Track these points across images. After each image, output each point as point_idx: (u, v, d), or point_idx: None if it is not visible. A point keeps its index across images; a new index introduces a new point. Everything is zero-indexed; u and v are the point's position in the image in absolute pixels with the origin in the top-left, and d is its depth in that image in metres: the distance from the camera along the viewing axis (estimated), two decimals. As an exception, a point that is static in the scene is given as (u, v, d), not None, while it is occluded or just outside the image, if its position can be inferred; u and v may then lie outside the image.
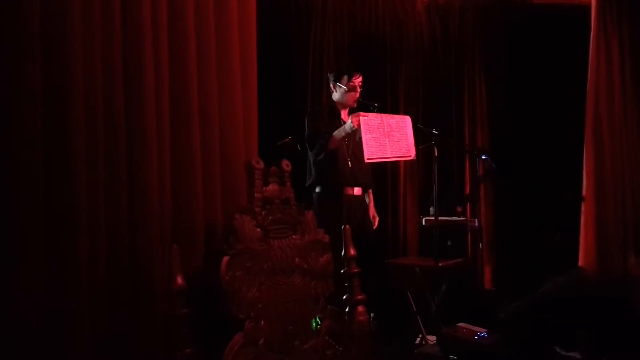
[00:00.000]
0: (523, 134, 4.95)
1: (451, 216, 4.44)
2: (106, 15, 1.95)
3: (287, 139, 3.98)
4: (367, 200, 3.95)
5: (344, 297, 2.45)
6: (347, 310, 2.43)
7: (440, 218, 3.95)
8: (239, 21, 2.41)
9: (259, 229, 2.20)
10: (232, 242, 2.10)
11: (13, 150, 1.72)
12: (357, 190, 3.82)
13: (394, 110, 4.96)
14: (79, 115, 1.83)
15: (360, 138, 3.45)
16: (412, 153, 3.64)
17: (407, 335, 4.05)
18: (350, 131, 3.54)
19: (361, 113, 3.50)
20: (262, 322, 2.13)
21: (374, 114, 3.54)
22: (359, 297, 2.44)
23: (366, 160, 3.47)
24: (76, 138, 1.82)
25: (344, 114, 3.91)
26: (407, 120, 3.67)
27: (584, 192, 4.12)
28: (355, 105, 3.85)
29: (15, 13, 1.73)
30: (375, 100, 3.88)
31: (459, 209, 4.51)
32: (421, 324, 4.00)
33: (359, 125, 3.45)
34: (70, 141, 1.81)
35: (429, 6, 5.22)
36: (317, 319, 2.29)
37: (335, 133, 3.64)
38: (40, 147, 1.76)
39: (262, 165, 2.26)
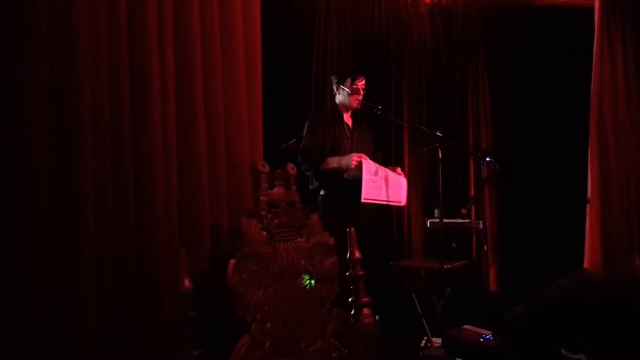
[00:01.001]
0: (527, 135, 4.94)
1: (456, 218, 4.44)
2: (112, 18, 1.96)
3: (291, 142, 3.99)
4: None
5: (350, 299, 2.45)
6: (352, 312, 2.43)
7: (444, 220, 3.94)
8: (244, 24, 2.43)
9: (264, 232, 2.20)
10: (238, 245, 2.11)
11: (20, 152, 1.73)
12: (361, 194, 3.82)
13: (398, 113, 4.96)
14: (85, 119, 1.84)
15: (349, 177, 3.56)
16: (403, 201, 3.83)
17: (412, 337, 4.05)
18: (345, 167, 3.57)
19: (363, 155, 3.55)
20: (269, 325, 2.13)
21: (374, 163, 3.59)
22: (364, 299, 2.44)
23: (362, 200, 3.50)
24: (83, 141, 1.83)
25: (346, 116, 3.91)
26: (402, 180, 3.80)
27: (589, 194, 4.12)
28: (359, 107, 3.86)
29: (24, 15, 1.74)
30: (378, 102, 3.88)
31: (464, 211, 4.50)
32: (426, 326, 4.00)
33: (356, 165, 3.51)
34: (77, 144, 1.82)
35: (432, 8, 5.22)
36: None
37: (330, 159, 3.66)
38: (47, 149, 1.77)
39: (267, 168, 2.27)
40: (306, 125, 3.87)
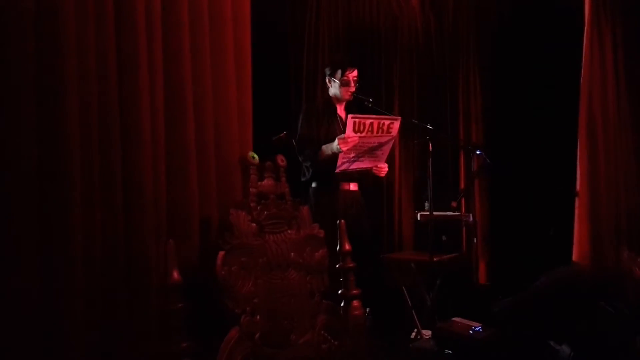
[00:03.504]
0: (517, 129, 4.96)
1: (446, 211, 4.45)
2: (99, 10, 1.94)
3: (282, 134, 3.97)
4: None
5: (339, 291, 2.46)
6: (342, 304, 2.44)
7: (435, 213, 3.96)
8: (233, 16, 2.41)
9: (254, 224, 2.20)
10: (227, 237, 2.11)
11: (7, 146, 1.72)
12: (353, 186, 3.82)
13: (389, 105, 4.96)
14: (73, 112, 1.83)
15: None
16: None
17: (402, 329, 4.07)
18: (338, 152, 3.52)
19: (349, 139, 3.46)
20: (258, 317, 2.13)
21: (354, 142, 3.49)
22: (354, 291, 2.45)
23: (336, 171, 3.55)
24: (70, 134, 1.82)
25: (340, 109, 3.91)
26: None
27: (577, 187, 4.14)
28: (351, 99, 3.85)
29: (9, 10, 1.72)
30: (369, 95, 3.88)
31: (454, 204, 4.52)
32: (416, 319, 4.02)
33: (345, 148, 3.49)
34: (64, 137, 1.81)
35: (424, 1, 5.22)
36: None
37: (324, 147, 3.64)
38: (34, 143, 1.75)
39: (257, 160, 2.26)
40: (300, 117, 3.87)
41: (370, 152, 3.59)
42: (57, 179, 1.80)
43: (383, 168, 3.78)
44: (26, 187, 1.74)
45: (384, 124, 3.53)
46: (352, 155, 3.52)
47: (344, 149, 3.45)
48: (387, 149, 3.66)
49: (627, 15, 4.26)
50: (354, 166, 3.62)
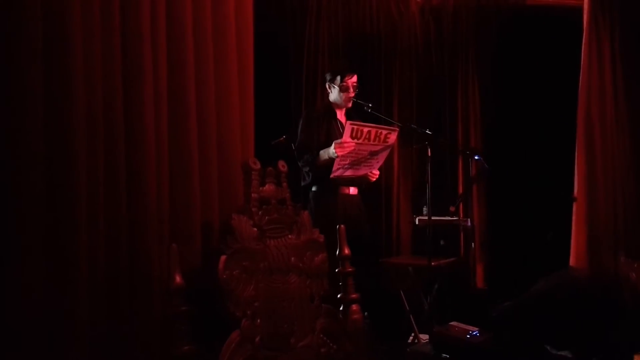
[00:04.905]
0: (516, 134, 4.99)
1: (444, 216, 4.47)
2: (105, 17, 1.97)
3: (281, 138, 4.00)
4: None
5: (339, 295, 2.48)
6: (341, 308, 2.46)
7: (433, 218, 3.98)
8: (236, 23, 2.44)
9: (255, 229, 2.22)
10: (229, 242, 2.13)
11: (14, 148, 1.74)
12: (352, 190, 3.85)
13: (388, 111, 4.98)
14: (79, 117, 1.85)
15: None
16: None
17: (400, 333, 4.08)
18: (334, 157, 3.54)
19: (345, 145, 3.48)
20: (259, 320, 2.15)
21: (361, 142, 3.51)
22: (353, 295, 2.47)
23: (331, 177, 3.56)
24: (76, 139, 1.84)
25: (340, 114, 3.93)
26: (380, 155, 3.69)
27: (575, 192, 4.16)
28: (350, 105, 3.87)
29: (18, 15, 1.74)
30: (369, 100, 3.90)
31: (452, 208, 4.53)
32: (414, 323, 4.03)
33: (340, 154, 3.51)
34: (70, 142, 1.83)
35: (423, 6, 5.25)
36: None
37: (322, 152, 3.67)
38: (41, 147, 1.77)
39: (258, 165, 2.28)
40: (300, 123, 3.89)
41: (366, 160, 3.61)
42: (63, 182, 1.82)
43: (375, 174, 3.81)
44: (32, 190, 1.75)
45: (381, 133, 3.55)
46: (348, 162, 3.54)
47: (340, 153, 3.47)
48: (382, 157, 3.68)
49: (625, 22, 4.30)
50: (348, 173, 3.63)
